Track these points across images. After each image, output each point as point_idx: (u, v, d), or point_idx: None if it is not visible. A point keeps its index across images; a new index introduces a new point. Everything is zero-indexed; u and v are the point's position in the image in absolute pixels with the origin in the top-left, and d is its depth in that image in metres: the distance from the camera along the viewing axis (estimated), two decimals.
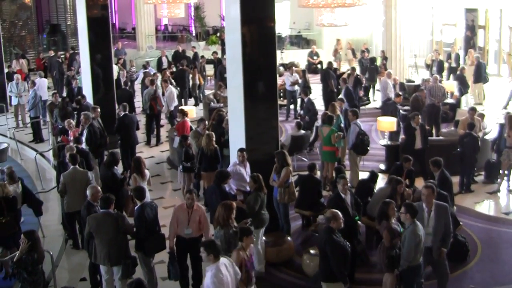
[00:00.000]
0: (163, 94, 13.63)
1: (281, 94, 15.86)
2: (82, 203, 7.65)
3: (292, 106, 14.86)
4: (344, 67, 19.98)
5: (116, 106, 12.39)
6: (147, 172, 8.03)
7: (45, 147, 12.61)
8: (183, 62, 16.90)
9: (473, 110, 10.75)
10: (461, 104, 13.97)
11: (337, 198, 6.88)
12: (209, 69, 19.37)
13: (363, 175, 9.40)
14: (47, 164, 11.83)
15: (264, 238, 7.46)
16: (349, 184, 7.29)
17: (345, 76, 14.67)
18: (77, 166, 7.94)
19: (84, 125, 10.21)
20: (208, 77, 19.78)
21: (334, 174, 9.03)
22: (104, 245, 6.14)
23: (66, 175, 7.86)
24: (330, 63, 15.25)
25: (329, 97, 13.89)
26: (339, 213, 5.79)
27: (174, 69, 17.32)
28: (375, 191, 8.25)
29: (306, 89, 13.33)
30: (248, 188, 7.78)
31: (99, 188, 6.96)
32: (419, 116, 10.13)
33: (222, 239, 5.90)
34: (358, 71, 15.98)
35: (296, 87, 14.70)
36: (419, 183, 9.01)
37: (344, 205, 6.80)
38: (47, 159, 12.00)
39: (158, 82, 14.15)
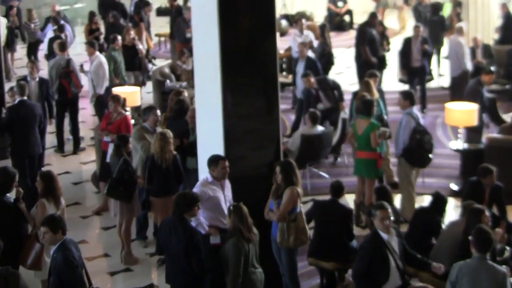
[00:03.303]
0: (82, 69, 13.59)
1: (284, 66, 15.87)
2: None
3: None
4: (390, 21, 20.04)
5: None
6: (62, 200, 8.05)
7: None
8: (116, 14, 16.84)
9: None
10: None
11: (374, 239, 6.89)
12: (163, 24, 19.23)
13: (422, 201, 9.39)
14: None
15: None
16: (393, 217, 7.26)
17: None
18: None
19: None
20: (160, 38, 19.76)
21: (374, 199, 9.05)
22: None
23: None
24: (373, 15, 15.26)
25: (364, 71, 13.96)
26: None
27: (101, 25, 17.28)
28: (442, 227, 8.27)
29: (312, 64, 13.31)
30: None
31: None
32: None
33: None
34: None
35: (310, 54, 14.72)
36: None
37: (385, 254, 6.82)
38: None
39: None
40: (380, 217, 6.93)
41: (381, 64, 14.84)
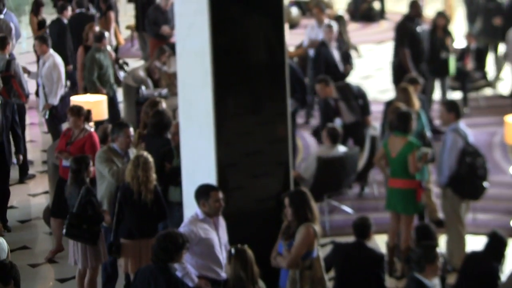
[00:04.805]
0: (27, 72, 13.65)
1: None
2: None
3: None
4: (434, 8, 20.10)
5: None
6: (2, 241, 8.06)
7: None
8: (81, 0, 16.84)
9: None
10: None
11: None
12: (129, 10, 19.41)
13: (475, 243, 9.45)
14: None
15: None
16: (442, 261, 7.36)
17: None
18: None
19: None
20: (133, 31, 19.89)
21: (412, 241, 9.06)
22: None
23: None
24: (413, 4, 15.00)
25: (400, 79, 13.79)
26: None
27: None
28: (500, 277, 8.23)
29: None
30: (223, 274, 7.85)
31: None
32: None
33: None
34: (463, 15, 15.96)
35: (335, 53, 14.75)
36: None
37: None
38: None
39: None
40: (432, 265, 6.93)
41: (443, 69, 14.58)
